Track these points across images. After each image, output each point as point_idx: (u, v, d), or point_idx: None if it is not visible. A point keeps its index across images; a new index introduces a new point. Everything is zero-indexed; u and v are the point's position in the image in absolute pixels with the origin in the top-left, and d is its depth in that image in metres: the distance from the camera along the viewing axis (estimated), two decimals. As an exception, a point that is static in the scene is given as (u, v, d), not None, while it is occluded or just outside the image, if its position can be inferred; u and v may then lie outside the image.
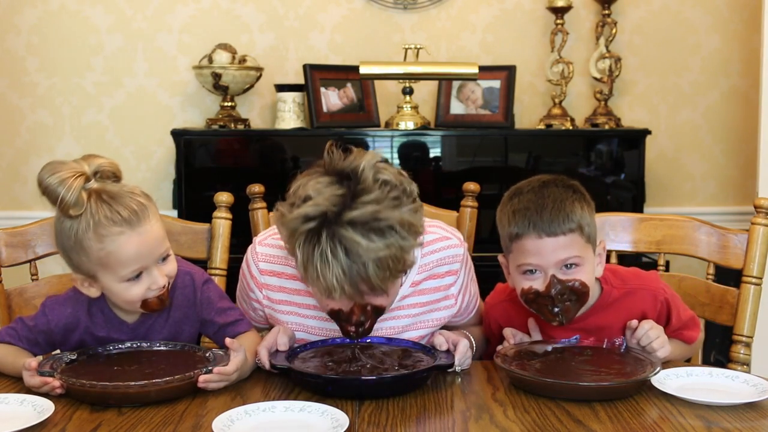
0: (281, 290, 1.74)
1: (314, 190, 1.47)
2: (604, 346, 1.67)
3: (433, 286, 1.75)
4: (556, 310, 1.62)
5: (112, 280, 1.55)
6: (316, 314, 1.73)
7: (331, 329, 1.72)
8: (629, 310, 1.71)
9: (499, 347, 1.67)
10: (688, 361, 1.88)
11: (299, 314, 1.73)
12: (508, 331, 1.73)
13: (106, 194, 1.52)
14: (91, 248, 1.51)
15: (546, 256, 1.59)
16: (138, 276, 1.55)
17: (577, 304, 1.64)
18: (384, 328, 1.73)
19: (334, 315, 1.58)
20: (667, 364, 1.65)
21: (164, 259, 1.59)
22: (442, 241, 1.75)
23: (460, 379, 1.60)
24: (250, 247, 1.77)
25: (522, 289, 1.64)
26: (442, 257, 1.75)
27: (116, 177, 1.57)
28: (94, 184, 1.52)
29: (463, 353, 1.61)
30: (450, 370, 1.59)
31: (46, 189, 1.50)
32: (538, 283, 1.61)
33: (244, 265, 1.79)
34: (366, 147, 3.03)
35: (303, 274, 1.51)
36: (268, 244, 1.75)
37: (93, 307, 1.63)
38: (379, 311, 1.58)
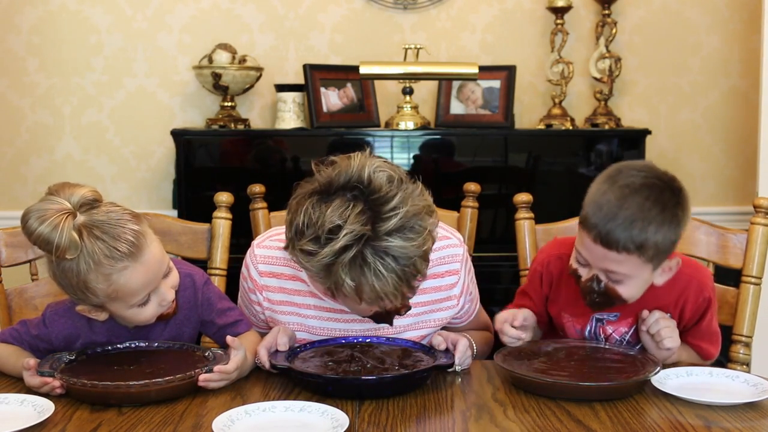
0: (281, 291, 1.74)
1: (338, 217, 1.46)
2: (610, 347, 1.67)
3: (433, 286, 1.75)
4: (589, 299, 1.66)
5: (122, 308, 1.55)
6: (316, 314, 1.73)
7: (332, 329, 1.72)
8: (674, 295, 1.72)
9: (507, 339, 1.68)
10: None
11: (299, 314, 1.73)
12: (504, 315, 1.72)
13: (98, 229, 1.47)
14: (97, 287, 1.49)
15: (595, 259, 1.62)
16: (147, 299, 1.55)
17: (611, 305, 1.66)
18: (386, 328, 1.73)
19: (376, 316, 1.60)
20: (670, 364, 1.65)
21: (167, 274, 1.58)
22: (441, 240, 1.75)
23: (460, 379, 1.60)
24: (248, 251, 1.77)
25: (571, 265, 1.69)
26: (442, 256, 1.75)
27: (98, 201, 1.51)
28: (81, 218, 1.47)
29: (463, 353, 1.62)
30: (450, 370, 1.59)
31: (38, 239, 1.45)
32: (583, 271, 1.66)
33: (243, 269, 1.79)
34: (366, 147, 3.03)
35: (352, 293, 1.49)
36: (266, 246, 1.76)
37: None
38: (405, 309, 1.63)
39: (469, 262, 1.83)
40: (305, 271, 1.59)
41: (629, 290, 1.63)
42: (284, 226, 1.78)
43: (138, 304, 1.54)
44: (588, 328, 1.77)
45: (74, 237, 1.45)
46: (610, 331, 1.76)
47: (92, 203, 1.50)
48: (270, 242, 1.76)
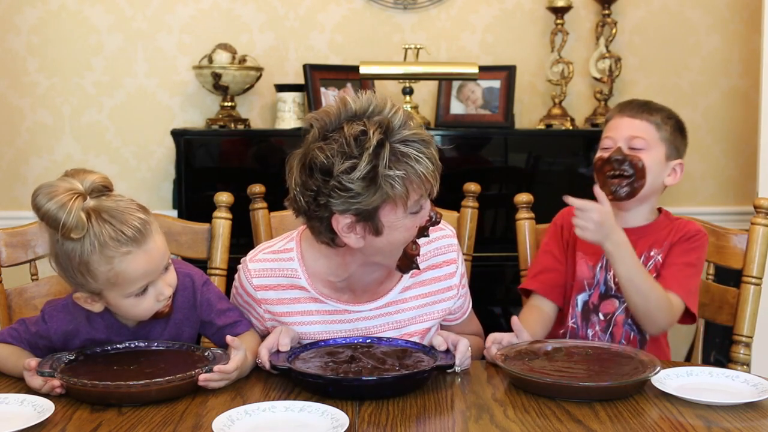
0: (280, 302, 1.74)
1: (357, 130, 1.55)
2: (610, 346, 1.67)
3: (433, 277, 1.78)
4: (613, 183, 1.86)
5: (118, 296, 1.55)
6: (320, 319, 1.73)
7: (337, 330, 1.73)
8: (670, 231, 1.91)
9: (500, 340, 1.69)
10: (688, 361, 1.88)
11: (303, 323, 1.73)
12: (491, 338, 1.72)
13: (106, 213, 1.49)
14: (98, 269, 1.50)
15: (619, 130, 1.90)
16: (144, 290, 1.55)
17: (632, 183, 1.86)
18: (390, 322, 1.75)
19: (415, 236, 1.64)
20: (665, 364, 1.65)
21: (166, 269, 1.59)
22: (436, 232, 1.79)
23: (460, 379, 1.60)
24: (240, 267, 1.77)
25: (595, 158, 1.92)
26: (438, 247, 1.79)
27: (108, 189, 1.55)
28: (90, 203, 1.50)
29: (464, 353, 1.62)
30: (450, 370, 1.59)
31: (46, 215, 1.46)
32: (607, 153, 1.89)
33: (236, 284, 1.78)
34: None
35: (403, 193, 1.56)
36: (259, 259, 1.76)
37: (93, 313, 1.62)
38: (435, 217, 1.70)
39: (462, 253, 1.87)
40: (346, 200, 1.56)
41: (648, 158, 1.86)
42: (272, 240, 1.80)
43: (135, 294, 1.54)
44: (600, 263, 1.90)
45: (82, 217, 1.47)
46: None
47: (102, 190, 1.53)
48: (263, 255, 1.76)
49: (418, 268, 1.70)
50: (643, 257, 1.87)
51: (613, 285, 1.88)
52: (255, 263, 1.75)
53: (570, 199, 1.78)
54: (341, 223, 1.58)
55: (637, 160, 1.85)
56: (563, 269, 1.95)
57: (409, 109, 3.07)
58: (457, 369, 1.61)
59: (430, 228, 1.71)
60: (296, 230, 1.79)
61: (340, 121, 1.58)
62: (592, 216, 1.75)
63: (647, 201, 1.91)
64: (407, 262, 1.66)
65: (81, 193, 1.49)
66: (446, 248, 1.80)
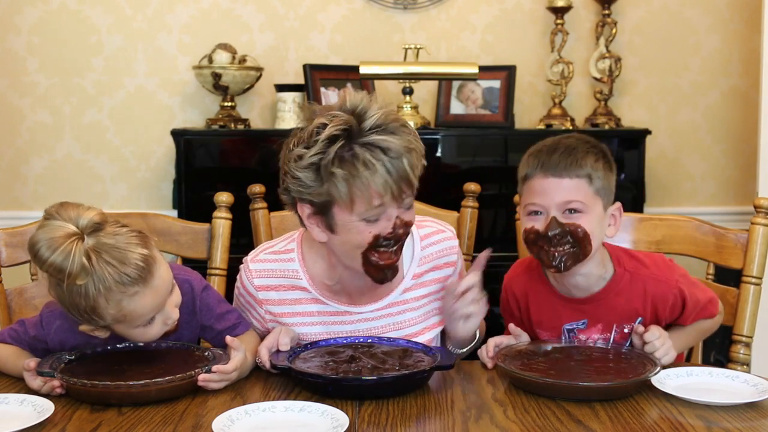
0: (281, 303, 1.74)
1: (324, 119, 1.55)
2: (609, 346, 1.67)
3: (434, 278, 1.79)
4: (555, 255, 1.63)
5: (127, 328, 1.54)
6: (321, 320, 1.73)
7: (338, 332, 1.73)
8: (641, 298, 1.70)
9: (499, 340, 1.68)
10: (687, 361, 1.88)
11: (304, 323, 1.74)
12: (493, 341, 1.70)
13: (106, 253, 1.44)
14: (106, 312, 1.47)
15: (549, 196, 1.63)
16: (152, 319, 1.54)
17: (577, 253, 1.63)
18: (392, 323, 1.75)
19: (374, 245, 1.59)
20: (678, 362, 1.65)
21: (171, 289, 1.57)
22: (438, 234, 1.80)
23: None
24: (242, 267, 1.77)
25: (524, 230, 1.67)
26: (441, 249, 1.79)
27: (103, 223, 1.48)
28: (89, 242, 1.44)
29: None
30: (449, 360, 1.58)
31: (51, 267, 1.42)
32: (539, 224, 1.64)
33: (238, 284, 1.78)
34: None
35: (345, 198, 1.53)
36: (260, 259, 1.75)
37: None
38: (407, 229, 1.63)
39: (461, 255, 1.87)
40: (297, 188, 1.59)
41: (589, 222, 1.62)
42: (273, 241, 1.81)
43: (143, 324, 1.53)
44: (563, 338, 1.74)
45: (84, 262, 1.42)
46: (584, 339, 1.73)
47: (98, 225, 1.46)
48: (264, 255, 1.76)
49: (389, 280, 1.65)
50: (614, 333, 1.71)
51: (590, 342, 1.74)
52: (256, 263, 1.75)
53: (643, 336, 1.63)
54: (304, 211, 1.62)
55: (578, 229, 1.61)
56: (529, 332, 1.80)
57: (409, 110, 3.07)
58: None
59: (432, 232, 1.70)
60: (297, 231, 1.79)
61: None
62: (662, 341, 1.61)
63: (592, 258, 1.67)
64: (374, 270, 1.62)
65: (78, 236, 1.44)
66: (448, 250, 1.80)
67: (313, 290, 1.72)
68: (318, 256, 1.72)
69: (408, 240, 1.74)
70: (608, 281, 1.71)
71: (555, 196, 1.62)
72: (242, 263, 1.77)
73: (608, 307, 1.71)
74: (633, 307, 1.70)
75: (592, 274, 1.70)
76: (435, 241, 1.78)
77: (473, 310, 1.68)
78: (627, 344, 1.70)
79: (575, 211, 1.63)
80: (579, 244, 1.62)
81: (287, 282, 1.73)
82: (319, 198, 1.57)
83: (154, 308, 1.52)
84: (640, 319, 1.71)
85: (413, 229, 1.75)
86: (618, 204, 1.71)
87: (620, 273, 1.72)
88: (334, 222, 1.59)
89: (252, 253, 1.79)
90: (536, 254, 1.67)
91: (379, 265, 1.62)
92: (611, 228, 1.70)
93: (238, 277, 1.78)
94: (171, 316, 1.56)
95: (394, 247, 1.62)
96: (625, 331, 1.71)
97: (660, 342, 1.61)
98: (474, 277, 1.67)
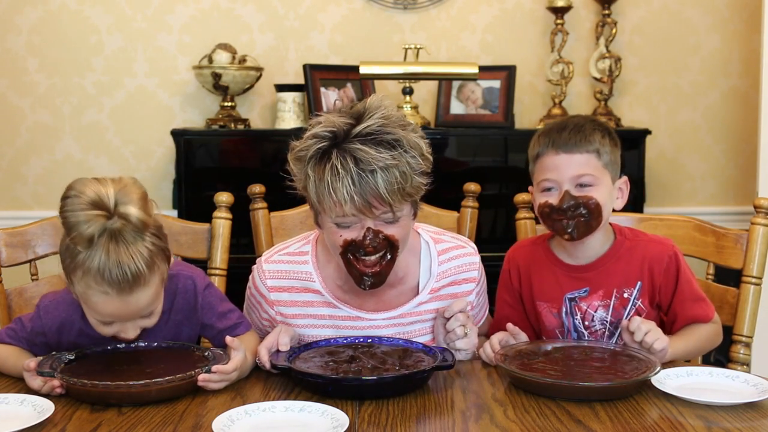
0: (293, 304, 1.74)
1: (325, 119, 1.57)
2: (609, 346, 1.67)
3: (450, 293, 1.77)
4: (569, 224, 1.71)
5: (86, 310, 1.55)
6: (331, 324, 1.74)
7: (347, 336, 1.72)
8: (639, 262, 1.77)
9: (498, 340, 1.69)
10: (687, 362, 1.88)
11: (315, 326, 1.74)
12: (495, 338, 1.71)
13: (114, 242, 1.43)
14: (77, 283, 1.48)
15: (562, 172, 1.71)
16: (110, 322, 1.54)
17: (589, 222, 1.71)
18: (402, 333, 1.75)
19: (348, 249, 1.58)
20: (679, 362, 1.65)
21: (149, 314, 1.56)
22: (458, 249, 1.78)
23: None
24: (255, 267, 1.77)
25: (539, 204, 1.75)
26: (460, 264, 1.78)
27: (143, 226, 1.47)
28: (115, 223, 1.44)
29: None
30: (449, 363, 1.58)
31: (65, 219, 1.44)
32: (553, 198, 1.72)
33: (251, 284, 1.78)
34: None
35: (315, 199, 1.55)
36: (274, 260, 1.75)
37: None
38: (392, 246, 1.59)
39: (483, 271, 1.85)
40: (294, 177, 1.62)
41: (600, 194, 1.71)
42: (288, 241, 1.81)
43: (99, 320, 1.54)
44: (564, 309, 1.79)
45: (93, 236, 1.43)
46: (585, 308, 1.77)
47: (137, 223, 1.46)
48: (278, 257, 1.76)
49: (374, 287, 1.64)
50: (614, 299, 1.77)
51: (584, 330, 1.79)
52: (270, 264, 1.75)
53: (629, 325, 1.65)
54: (308, 200, 1.63)
55: (590, 200, 1.70)
56: (522, 314, 1.86)
57: (409, 110, 3.07)
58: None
59: (451, 247, 1.71)
60: (313, 232, 1.79)
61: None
62: (649, 326, 1.62)
63: (601, 229, 1.77)
64: (355, 275, 1.62)
65: (107, 216, 1.44)
66: (469, 266, 1.79)
67: (326, 293, 1.72)
68: (330, 257, 1.71)
69: (425, 255, 1.75)
70: (609, 247, 1.80)
71: (567, 171, 1.71)
72: (255, 263, 1.77)
73: (608, 272, 1.77)
74: (632, 270, 1.77)
75: (598, 241, 1.79)
76: (454, 256, 1.77)
77: (461, 347, 1.68)
78: (626, 313, 1.76)
79: (586, 185, 1.71)
80: (591, 215, 1.71)
81: (300, 284, 1.73)
82: (305, 192, 1.60)
83: (114, 316, 1.52)
84: (636, 299, 1.75)
85: (430, 244, 1.75)
86: (625, 178, 1.80)
87: (620, 240, 1.80)
88: (319, 218, 1.63)
89: (266, 254, 1.79)
90: (551, 226, 1.75)
91: (359, 270, 1.61)
92: (619, 201, 1.79)
93: (251, 276, 1.78)
94: (127, 335, 1.55)
95: (372, 257, 1.59)
96: (624, 296, 1.76)
97: (646, 326, 1.63)
98: (461, 303, 1.69)
